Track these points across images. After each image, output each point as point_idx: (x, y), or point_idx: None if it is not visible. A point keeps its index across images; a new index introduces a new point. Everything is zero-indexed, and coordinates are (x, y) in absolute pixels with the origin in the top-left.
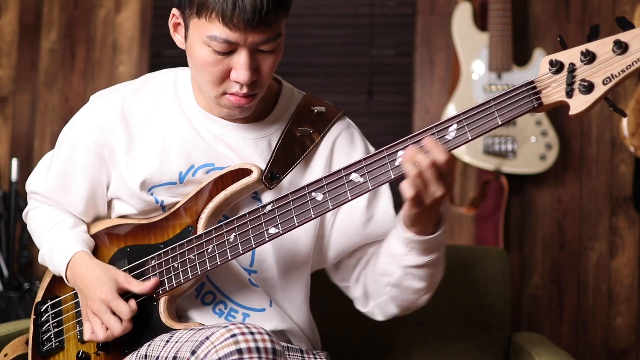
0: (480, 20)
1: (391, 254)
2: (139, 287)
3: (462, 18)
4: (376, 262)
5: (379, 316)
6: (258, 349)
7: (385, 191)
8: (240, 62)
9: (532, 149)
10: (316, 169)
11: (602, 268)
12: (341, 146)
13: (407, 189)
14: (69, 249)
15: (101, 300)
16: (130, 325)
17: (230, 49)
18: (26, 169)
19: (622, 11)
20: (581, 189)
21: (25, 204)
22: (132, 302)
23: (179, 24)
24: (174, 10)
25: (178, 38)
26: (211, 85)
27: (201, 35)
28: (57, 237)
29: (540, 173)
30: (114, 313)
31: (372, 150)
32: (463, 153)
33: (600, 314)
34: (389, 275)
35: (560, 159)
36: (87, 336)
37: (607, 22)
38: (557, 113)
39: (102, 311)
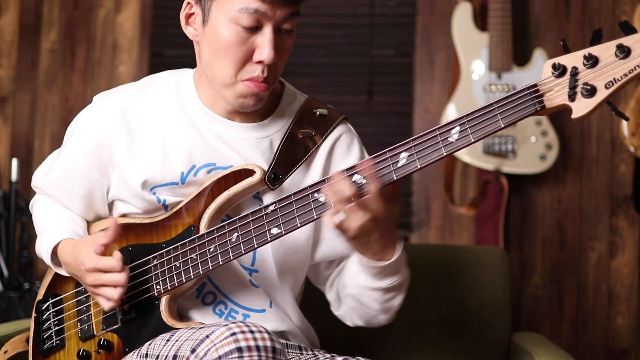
0: (480, 20)
1: (350, 267)
2: (107, 236)
3: (462, 18)
4: (344, 270)
5: (348, 322)
6: (258, 348)
7: None
8: (265, 40)
9: (532, 149)
10: (316, 170)
11: (602, 268)
12: (339, 148)
13: (327, 218)
14: (54, 239)
15: (88, 270)
16: (127, 270)
17: (257, 24)
18: (26, 169)
19: (622, 11)
20: (581, 189)
21: (26, 203)
22: (116, 252)
23: (192, 14)
24: (189, 0)
25: (190, 30)
26: (231, 69)
27: (228, 12)
28: (50, 228)
29: (540, 173)
30: (108, 273)
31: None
32: (463, 153)
33: (600, 314)
34: (349, 287)
35: (560, 159)
36: (105, 306)
37: (607, 22)
38: (557, 113)
39: (97, 278)
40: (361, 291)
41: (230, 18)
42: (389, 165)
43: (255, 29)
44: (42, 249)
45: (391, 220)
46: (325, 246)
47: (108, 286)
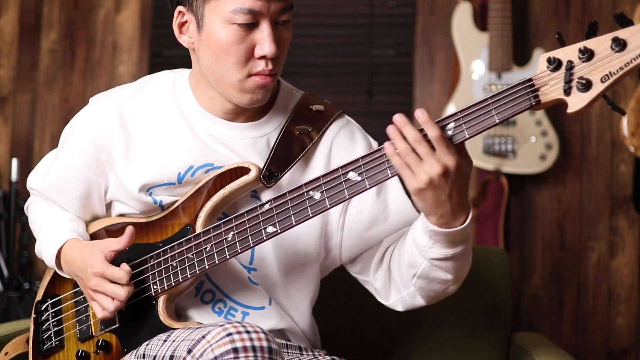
0: (480, 20)
1: (416, 244)
2: (119, 242)
3: (462, 18)
4: (402, 253)
5: (400, 307)
6: (254, 348)
7: (395, 189)
8: (264, 35)
9: (532, 149)
10: (316, 167)
11: (602, 268)
12: (340, 144)
13: (404, 180)
14: (60, 238)
15: (94, 274)
16: (132, 287)
17: (253, 21)
18: (26, 169)
19: (622, 11)
20: (581, 189)
21: (25, 203)
22: (124, 265)
23: (185, 22)
24: (179, 8)
25: (185, 39)
26: (236, 68)
27: (223, 14)
28: (51, 228)
29: (540, 173)
30: (112, 283)
31: (375, 144)
32: None
33: (600, 314)
34: (415, 267)
35: (560, 159)
36: (99, 314)
37: (607, 21)
38: (557, 113)
39: (100, 284)
40: (434, 265)
41: (226, 19)
42: (384, 162)
43: (252, 25)
44: (45, 250)
45: (464, 178)
46: (351, 242)
47: (107, 295)
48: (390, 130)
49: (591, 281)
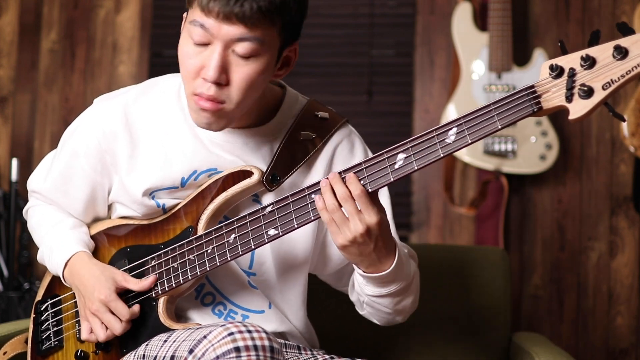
0: (480, 20)
1: (356, 279)
2: (137, 285)
3: (462, 18)
4: (355, 279)
5: (375, 320)
6: (256, 347)
7: (383, 199)
8: (209, 57)
9: (532, 149)
10: (317, 173)
11: (602, 268)
12: (341, 153)
13: (331, 234)
14: (69, 249)
15: (100, 300)
16: (129, 325)
17: (206, 41)
18: (26, 169)
19: (622, 11)
20: (581, 189)
21: (25, 203)
22: (136, 307)
23: None
24: (185, 13)
25: None
26: (186, 81)
27: (187, 24)
28: (58, 236)
29: (540, 173)
30: (113, 313)
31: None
32: (463, 153)
33: (600, 314)
34: (361, 295)
35: (560, 159)
36: (84, 335)
37: (607, 22)
38: (557, 113)
39: (101, 311)
40: (371, 299)
41: (187, 30)
42: (386, 167)
43: (205, 44)
44: (50, 260)
45: (385, 229)
46: (336, 250)
47: (103, 323)
48: (323, 184)
49: (591, 281)
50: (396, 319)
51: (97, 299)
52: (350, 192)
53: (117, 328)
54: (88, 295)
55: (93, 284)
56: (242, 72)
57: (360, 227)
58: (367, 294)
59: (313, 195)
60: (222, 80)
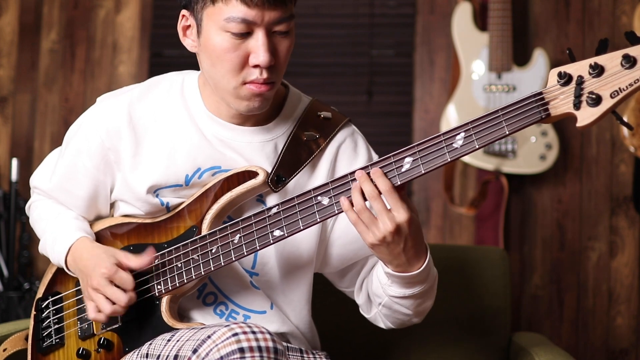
0: (480, 20)
1: (379, 279)
2: (137, 261)
3: (462, 18)
4: (370, 279)
5: (381, 325)
6: (260, 348)
7: None
8: (258, 44)
9: (532, 149)
10: (321, 173)
11: (602, 268)
12: (344, 152)
13: (360, 234)
14: (71, 235)
15: (102, 274)
16: (134, 295)
17: (247, 30)
18: (26, 169)
19: (622, 11)
20: (581, 189)
21: (25, 203)
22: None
23: (189, 26)
24: (183, 12)
25: (188, 42)
26: (230, 75)
27: (218, 21)
28: (60, 225)
29: (540, 173)
30: (116, 286)
31: (375, 157)
32: None
33: (600, 314)
34: (379, 297)
35: (560, 159)
36: (92, 315)
37: (607, 22)
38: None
39: (103, 285)
40: (393, 300)
41: (220, 26)
42: (393, 170)
43: (246, 34)
44: (53, 247)
45: (417, 229)
46: (338, 250)
47: (107, 298)
48: (352, 185)
49: (591, 281)
50: (413, 321)
51: (99, 274)
52: (378, 189)
53: (122, 299)
54: (90, 273)
55: (95, 262)
56: (283, 49)
57: (389, 226)
58: (390, 295)
59: (340, 197)
60: (273, 61)
